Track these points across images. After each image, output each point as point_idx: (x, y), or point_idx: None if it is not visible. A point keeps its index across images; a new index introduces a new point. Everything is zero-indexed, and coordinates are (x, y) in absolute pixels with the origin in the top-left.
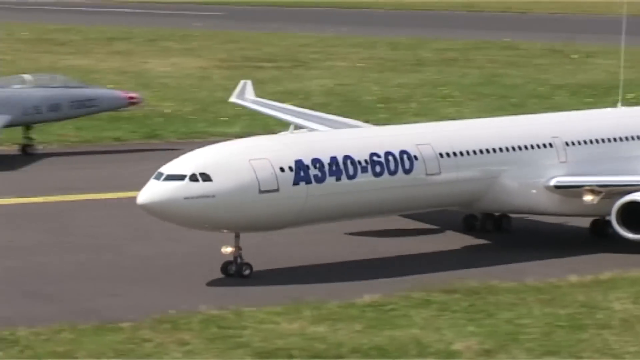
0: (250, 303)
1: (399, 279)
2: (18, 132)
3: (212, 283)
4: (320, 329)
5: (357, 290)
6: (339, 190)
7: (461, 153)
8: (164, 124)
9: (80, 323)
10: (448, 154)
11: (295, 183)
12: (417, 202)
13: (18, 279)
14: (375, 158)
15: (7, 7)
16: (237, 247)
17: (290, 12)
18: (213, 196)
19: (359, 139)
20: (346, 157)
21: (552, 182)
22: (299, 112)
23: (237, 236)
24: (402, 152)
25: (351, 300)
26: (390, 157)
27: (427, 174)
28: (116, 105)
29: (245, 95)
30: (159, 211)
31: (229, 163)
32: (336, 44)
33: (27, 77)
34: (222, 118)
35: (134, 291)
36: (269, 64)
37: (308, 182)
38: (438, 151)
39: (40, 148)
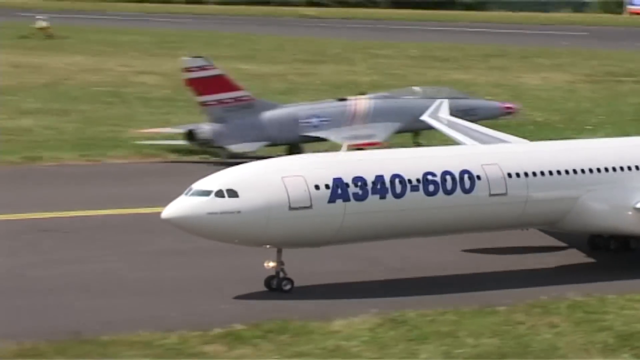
0: (612, 291)
1: None
2: (408, 137)
3: (579, 271)
4: None
5: None
6: (383, 208)
7: (534, 174)
8: (534, 131)
9: (462, 306)
10: (518, 175)
11: (331, 201)
12: (480, 221)
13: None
14: (429, 177)
15: (400, 29)
16: (279, 262)
17: None
18: (238, 212)
19: (416, 158)
20: (395, 176)
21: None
22: (489, 136)
23: (279, 251)
24: (463, 172)
25: None
26: (448, 177)
27: (490, 194)
28: (494, 115)
29: (438, 115)
30: (182, 225)
31: (260, 180)
32: None
33: (416, 89)
34: (587, 127)
35: (510, 278)
36: (629, 79)
37: (346, 199)
38: (506, 171)
39: None
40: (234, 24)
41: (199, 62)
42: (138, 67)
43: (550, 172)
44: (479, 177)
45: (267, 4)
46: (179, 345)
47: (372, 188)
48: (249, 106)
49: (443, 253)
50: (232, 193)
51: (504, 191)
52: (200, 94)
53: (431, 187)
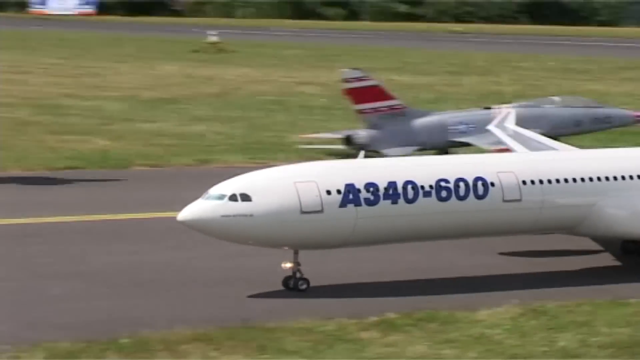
0: None
1: None
2: None
3: None
4: None
5: None
6: (395, 213)
7: (549, 181)
8: None
9: (597, 298)
10: (533, 182)
11: (342, 205)
12: (494, 226)
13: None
14: (442, 184)
15: (539, 43)
16: (296, 263)
17: None
18: (251, 215)
19: (430, 166)
20: (407, 182)
21: None
22: (548, 146)
23: (296, 253)
24: (477, 179)
25: None
26: (461, 183)
27: (504, 200)
28: (627, 122)
29: (504, 124)
30: (197, 227)
31: (273, 185)
32: None
33: (555, 98)
34: None
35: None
36: None
37: (357, 204)
38: (521, 178)
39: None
40: (387, 38)
41: (357, 74)
42: (299, 78)
43: (566, 180)
44: (492, 184)
45: (418, 20)
46: (337, 331)
47: (384, 193)
48: (401, 114)
49: (569, 249)
50: (245, 197)
51: (518, 197)
52: (357, 102)
53: (444, 193)
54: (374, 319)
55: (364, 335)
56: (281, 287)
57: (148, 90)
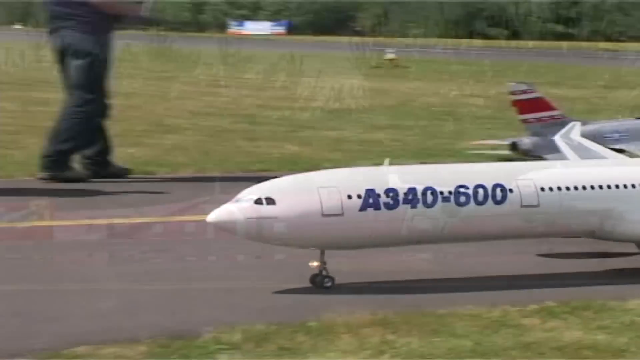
0: None
1: None
2: None
3: None
4: None
5: None
6: (412, 216)
7: (567, 188)
8: None
9: None
10: (551, 189)
11: (362, 209)
12: (512, 230)
13: None
14: (461, 190)
15: None
16: (322, 262)
17: None
18: (275, 217)
19: (451, 173)
20: (427, 188)
21: None
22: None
23: (322, 253)
24: (496, 185)
25: None
26: (480, 189)
27: (522, 206)
28: None
29: (570, 136)
30: (224, 228)
31: (297, 190)
32: None
33: None
34: None
35: None
36: None
37: (377, 208)
38: (539, 185)
39: None
40: (545, 55)
41: (522, 87)
42: (467, 91)
43: (584, 187)
44: (511, 190)
45: (573, 39)
46: (501, 318)
47: (404, 198)
48: (561, 123)
49: None
50: (270, 201)
51: (535, 203)
52: (522, 113)
53: (462, 198)
54: (534, 307)
55: (526, 321)
56: (451, 277)
57: (332, 102)
